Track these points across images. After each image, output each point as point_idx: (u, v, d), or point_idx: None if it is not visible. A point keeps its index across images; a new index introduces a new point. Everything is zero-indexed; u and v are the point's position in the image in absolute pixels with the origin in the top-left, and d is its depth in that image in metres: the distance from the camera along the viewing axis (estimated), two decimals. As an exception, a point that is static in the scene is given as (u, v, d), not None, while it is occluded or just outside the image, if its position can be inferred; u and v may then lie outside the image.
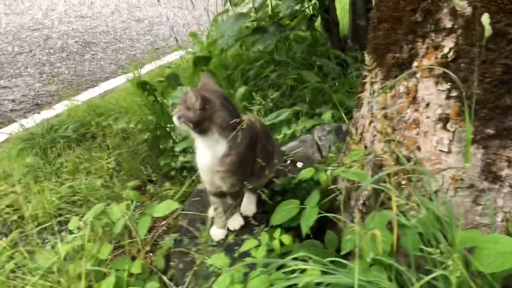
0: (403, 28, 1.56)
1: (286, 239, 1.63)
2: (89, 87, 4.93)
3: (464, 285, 1.25)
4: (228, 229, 2.00)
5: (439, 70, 1.46)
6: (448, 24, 1.41)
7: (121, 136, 3.16)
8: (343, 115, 3.14)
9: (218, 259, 1.60)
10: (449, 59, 1.42)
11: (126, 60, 5.84)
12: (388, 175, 1.64)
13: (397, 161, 1.65)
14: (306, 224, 1.59)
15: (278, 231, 1.64)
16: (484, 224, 1.50)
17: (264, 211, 2.09)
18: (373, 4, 1.76)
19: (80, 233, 1.96)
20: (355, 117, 1.97)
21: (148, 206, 1.89)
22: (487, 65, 1.34)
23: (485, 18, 1.04)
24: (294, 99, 3.35)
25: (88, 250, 1.88)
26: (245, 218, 2.05)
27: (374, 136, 1.77)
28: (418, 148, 1.57)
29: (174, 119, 1.75)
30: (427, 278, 1.19)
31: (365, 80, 1.89)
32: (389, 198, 1.70)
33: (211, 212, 2.09)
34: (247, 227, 2.01)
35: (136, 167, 2.89)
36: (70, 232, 1.99)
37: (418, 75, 1.53)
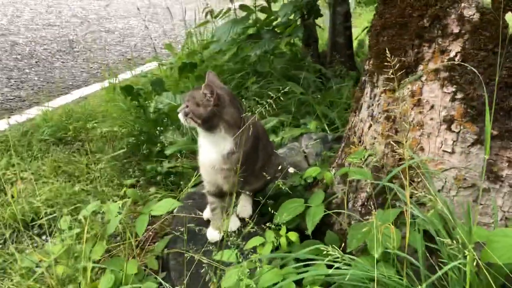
0: (409, 33, 1.62)
1: (293, 236, 1.63)
2: (61, 93, 4.80)
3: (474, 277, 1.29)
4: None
5: (444, 73, 1.52)
6: (455, 29, 1.48)
7: (102, 141, 3.08)
8: (326, 126, 3.20)
9: (227, 255, 1.58)
10: (456, 62, 1.48)
11: (99, 69, 5.75)
12: (398, 174, 1.68)
13: (400, 162, 1.69)
14: (312, 222, 1.61)
15: (284, 228, 1.65)
16: (484, 223, 1.56)
17: (261, 214, 2.09)
18: (376, 12, 1.82)
19: (71, 232, 1.89)
20: (353, 121, 2.02)
21: (145, 205, 1.85)
22: (493, 68, 1.41)
23: (509, 17, 1.11)
24: (278, 110, 3.38)
25: (80, 251, 1.81)
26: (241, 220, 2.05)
27: (375, 138, 1.82)
28: (422, 149, 1.63)
29: (180, 116, 1.73)
30: (445, 268, 1.22)
31: (364, 85, 1.95)
32: (384, 201, 1.75)
33: (206, 214, 2.07)
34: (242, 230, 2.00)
35: (118, 171, 2.82)
36: (60, 231, 1.92)
37: (423, 78, 1.59)
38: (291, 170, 2.41)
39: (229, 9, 4.06)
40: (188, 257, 1.86)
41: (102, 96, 4.41)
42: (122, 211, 1.85)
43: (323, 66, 4.00)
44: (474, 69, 1.41)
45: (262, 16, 3.85)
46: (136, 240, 1.99)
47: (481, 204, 1.55)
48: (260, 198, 1.93)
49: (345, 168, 1.73)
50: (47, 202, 2.56)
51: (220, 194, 1.90)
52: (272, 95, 3.23)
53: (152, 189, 2.65)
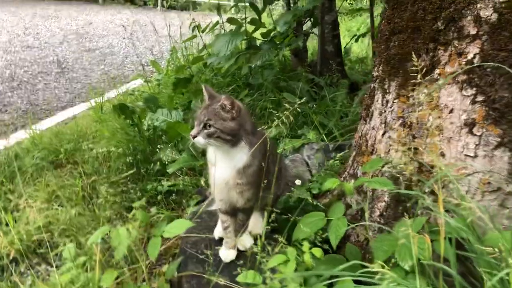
0: (423, 37, 1.59)
1: (317, 252, 1.57)
2: (47, 116, 4.68)
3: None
4: (238, 249, 1.91)
5: (463, 76, 1.49)
6: (472, 30, 1.46)
7: (98, 162, 2.98)
8: (324, 136, 3.16)
9: (249, 277, 1.50)
10: (475, 64, 1.45)
11: (83, 89, 5.64)
12: (416, 182, 1.64)
13: (419, 169, 1.65)
14: (336, 235, 1.54)
15: (306, 244, 1.58)
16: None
17: (272, 230, 2.02)
18: (383, 17, 1.79)
19: (78, 261, 1.80)
20: (363, 129, 1.97)
21: (156, 227, 1.76)
22: (514, 68, 1.39)
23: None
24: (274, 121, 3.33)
25: (89, 279, 1.72)
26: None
27: (390, 146, 1.77)
28: (442, 155, 1.59)
29: (199, 139, 1.63)
30: (495, 278, 1.17)
31: (373, 92, 1.91)
32: (404, 210, 1.70)
33: (217, 233, 1.99)
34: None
35: (115, 193, 2.73)
36: (65, 260, 1.82)
37: (440, 82, 1.56)
38: (297, 182, 2.35)
39: (217, 23, 4.01)
40: (204, 280, 1.79)
41: (90, 116, 4.30)
42: (130, 235, 1.76)
43: (314, 75, 3.97)
44: (501, 65, 1.39)
45: (250, 28, 3.82)
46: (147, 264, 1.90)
47: (507, 208, 1.51)
48: (273, 211, 1.87)
49: (363, 178, 1.68)
50: (44, 229, 2.45)
51: (233, 212, 1.83)
52: (270, 106, 3.19)
53: (153, 210, 2.56)
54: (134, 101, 4.10)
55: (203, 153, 2.82)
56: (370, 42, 4.39)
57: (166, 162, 2.51)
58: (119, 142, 2.97)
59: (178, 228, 1.71)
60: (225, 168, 1.68)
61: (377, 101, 1.86)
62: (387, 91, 1.79)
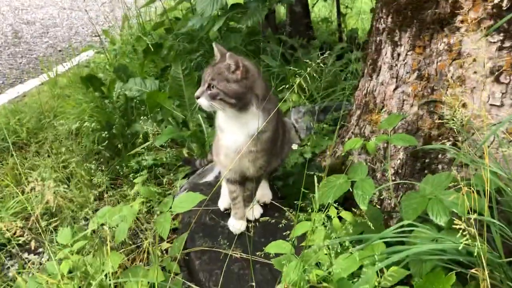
0: (442, -18, 1.51)
1: (348, 215, 1.48)
2: (-5, 94, 4.29)
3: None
4: (247, 219, 1.80)
5: (488, 22, 1.42)
6: (499, -28, 1.38)
7: (68, 140, 2.74)
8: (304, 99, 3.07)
9: (278, 247, 1.40)
10: (504, 8, 1.39)
11: (29, 64, 5.23)
12: (434, 136, 1.58)
13: (440, 122, 1.59)
14: (364, 197, 1.46)
15: (333, 209, 1.49)
16: (535, 175, 1.49)
17: (280, 197, 1.93)
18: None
19: (77, 246, 1.63)
20: (370, 86, 1.89)
21: (163, 202, 1.61)
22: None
23: None
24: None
25: (90, 264, 1.56)
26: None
27: (404, 101, 1.70)
28: (464, 106, 1.53)
29: (202, 100, 1.49)
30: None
31: (380, 46, 1.82)
32: (423, 167, 1.65)
33: (223, 204, 1.87)
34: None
35: (90, 171, 2.53)
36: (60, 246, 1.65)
37: (462, 30, 1.48)
38: (294, 146, 2.25)
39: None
40: (216, 254, 1.68)
41: (45, 92, 3.97)
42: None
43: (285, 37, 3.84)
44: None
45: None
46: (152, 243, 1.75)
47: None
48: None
49: (383, 136, 1.59)
50: (20, 216, 2.24)
51: (242, 181, 1.71)
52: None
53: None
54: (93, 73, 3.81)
55: (184, 124, 2.66)
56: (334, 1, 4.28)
57: (151, 135, 2.33)
58: (91, 117, 2.74)
59: (188, 202, 1.57)
60: (237, 135, 1.55)
61: (385, 54, 1.78)
62: (398, 43, 1.70)
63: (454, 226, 1.18)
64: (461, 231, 1.10)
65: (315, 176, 1.43)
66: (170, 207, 1.58)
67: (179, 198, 1.60)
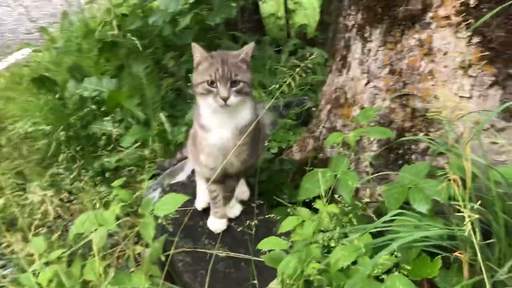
0: (413, -20, 1.57)
1: (335, 208, 1.52)
2: None
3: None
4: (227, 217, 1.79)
5: (457, 18, 1.51)
6: (467, -29, 1.46)
7: (20, 145, 2.60)
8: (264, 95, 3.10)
9: (271, 244, 1.41)
10: (471, 6, 1.47)
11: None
12: (407, 128, 1.65)
13: (412, 114, 1.66)
14: (349, 190, 1.50)
15: (320, 202, 1.52)
16: (501, 162, 1.60)
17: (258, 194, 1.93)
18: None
19: (55, 254, 1.55)
20: (340, 81, 1.94)
21: (143, 206, 1.57)
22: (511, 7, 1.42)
23: None
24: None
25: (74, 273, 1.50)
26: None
27: (375, 95, 1.76)
28: (435, 98, 1.61)
29: (232, 99, 1.45)
30: None
31: (349, 42, 1.87)
32: (397, 158, 1.72)
33: (199, 204, 1.85)
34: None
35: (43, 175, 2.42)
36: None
37: (433, 26, 1.56)
38: (263, 142, 2.27)
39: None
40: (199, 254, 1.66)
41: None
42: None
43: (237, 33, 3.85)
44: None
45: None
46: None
47: (496, 143, 1.58)
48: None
49: (361, 129, 1.65)
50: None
51: (223, 180, 1.70)
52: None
53: (102, 188, 2.32)
54: (36, 73, 3.62)
55: (146, 123, 2.60)
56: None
57: (115, 135, 2.26)
58: (45, 119, 2.61)
59: (172, 203, 1.54)
60: (224, 130, 1.54)
61: (355, 51, 1.83)
62: (369, 39, 1.76)
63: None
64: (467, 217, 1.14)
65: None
66: (153, 209, 1.55)
67: (161, 200, 1.56)
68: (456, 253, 1.34)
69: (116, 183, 1.63)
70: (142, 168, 2.50)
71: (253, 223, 1.49)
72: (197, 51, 1.50)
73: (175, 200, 1.55)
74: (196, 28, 3.81)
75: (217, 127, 1.54)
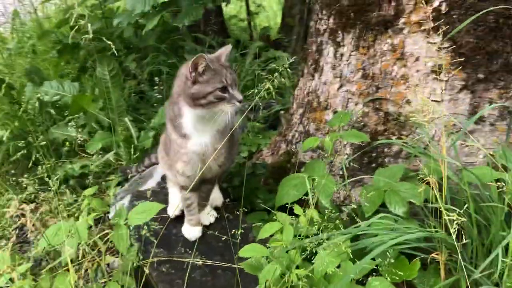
0: (385, -14, 1.60)
1: (315, 213, 1.51)
2: None
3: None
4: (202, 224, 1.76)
5: (429, 24, 1.54)
6: (438, -22, 1.50)
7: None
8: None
9: (253, 251, 1.38)
10: (442, 12, 1.51)
11: None
12: (380, 131, 1.68)
13: (385, 118, 1.69)
14: (327, 194, 1.50)
15: (298, 207, 1.51)
16: (469, 163, 1.65)
17: (231, 200, 1.90)
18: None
19: (21, 269, 1.47)
20: (312, 85, 1.94)
21: (116, 214, 1.51)
22: (481, 14, 1.47)
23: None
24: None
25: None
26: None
27: (348, 99, 1.78)
28: (408, 102, 1.64)
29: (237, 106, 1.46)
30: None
31: (321, 46, 1.88)
32: (370, 161, 1.74)
33: (172, 211, 1.80)
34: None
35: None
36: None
37: (405, 31, 1.59)
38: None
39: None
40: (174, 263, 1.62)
41: None
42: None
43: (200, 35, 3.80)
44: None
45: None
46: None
47: (467, 146, 1.63)
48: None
49: (336, 133, 1.65)
50: None
51: (198, 187, 1.66)
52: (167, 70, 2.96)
53: (66, 197, 2.23)
54: None
55: (110, 128, 2.52)
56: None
57: (80, 141, 2.17)
58: (2, 125, 2.47)
59: (146, 212, 1.49)
60: (204, 137, 1.51)
61: (327, 55, 1.84)
62: (341, 44, 1.77)
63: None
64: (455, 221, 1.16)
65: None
66: (126, 219, 1.49)
67: (135, 208, 1.51)
68: (433, 255, 1.37)
69: (88, 191, 1.56)
70: (108, 175, 2.42)
71: (239, 232, 1.46)
72: (202, 61, 1.42)
73: (150, 209, 1.50)
74: (159, 30, 3.75)
75: (199, 133, 1.51)
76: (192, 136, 1.51)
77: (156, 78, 2.90)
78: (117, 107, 2.40)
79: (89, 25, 1.82)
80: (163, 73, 3.14)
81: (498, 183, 1.30)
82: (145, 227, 1.54)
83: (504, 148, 1.55)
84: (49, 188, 2.09)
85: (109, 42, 1.95)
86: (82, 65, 2.91)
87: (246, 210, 1.88)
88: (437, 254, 1.37)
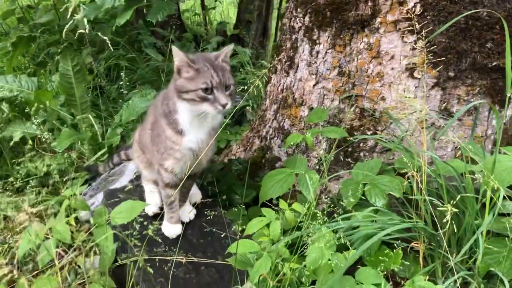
0: (362, -14, 1.65)
1: (298, 207, 1.53)
2: None
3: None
4: (181, 222, 1.74)
5: (404, 24, 1.61)
6: (413, -20, 1.57)
7: None
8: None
9: (246, 247, 1.38)
10: (416, 13, 1.58)
11: None
12: (356, 127, 1.73)
13: (361, 114, 1.75)
14: (312, 189, 1.53)
15: (283, 202, 1.52)
16: (439, 156, 1.74)
17: (208, 196, 1.89)
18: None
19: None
20: (287, 82, 1.97)
21: (96, 214, 1.46)
22: (452, 16, 1.55)
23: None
24: (134, 83, 3.06)
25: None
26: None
27: (324, 96, 1.82)
28: (383, 99, 1.71)
29: (230, 104, 1.40)
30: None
31: (296, 44, 1.91)
32: (345, 155, 1.80)
33: (150, 209, 1.77)
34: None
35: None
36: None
37: (381, 31, 1.65)
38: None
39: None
40: (155, 261, 1.60)
41: None
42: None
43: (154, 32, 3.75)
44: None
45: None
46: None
47: (436, 140, 1.72)
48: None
49: (316, 129, 1.69)
50: None
51: (178, 184, 1.64)
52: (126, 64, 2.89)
53: (32, 197, 2.13)
54: None
55: (73, 125, 2.44)
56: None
57: (44, 139, 2.07)
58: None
59: (129, 212, 1.46)
60: (200, 133, 1.50)
61: (302, 52, 1.87)
62: (317, 42, 1.81)
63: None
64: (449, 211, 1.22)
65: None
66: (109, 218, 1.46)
67: (117, 208, 1.47)
68: (413, 244, 1.45)
69: (68, 192, 1.51)
70: (72, 173, 2.34)
71: (239, 229, 1.46)
72: (177, 55, 1.40)
73: (132, 208, 1.47)
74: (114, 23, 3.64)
75: (195, 130, 1.49)
76: (188, 132, 1.49)
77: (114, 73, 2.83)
78: (80, 104, 2.31)
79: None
80: (122, 68, 3.07)
81: (471, 176, 1.39)
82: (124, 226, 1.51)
83: (471, 142, 1.65)
84: (7, 189, 2.01)
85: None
86: (40, 60, 2.78)
87: (224, 205, 1.90)
88: (416, 244, 1.44)
